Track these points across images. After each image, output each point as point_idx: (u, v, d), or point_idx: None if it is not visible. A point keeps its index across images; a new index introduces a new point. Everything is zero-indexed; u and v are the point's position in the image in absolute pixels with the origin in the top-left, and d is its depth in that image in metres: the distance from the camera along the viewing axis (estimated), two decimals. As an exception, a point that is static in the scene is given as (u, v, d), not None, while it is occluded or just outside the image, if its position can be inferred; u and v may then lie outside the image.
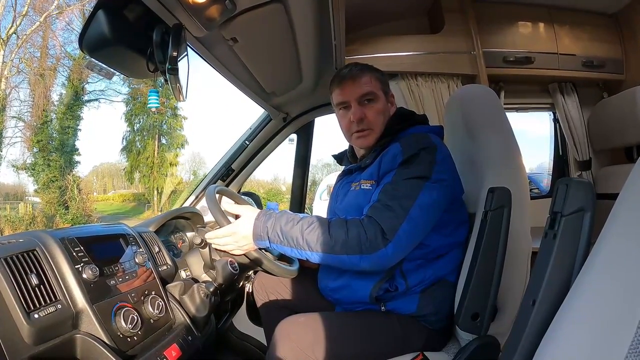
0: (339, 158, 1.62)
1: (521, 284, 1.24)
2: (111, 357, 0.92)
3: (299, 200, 2.49)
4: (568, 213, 0.65)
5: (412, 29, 2.48)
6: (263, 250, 1.45)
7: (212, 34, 1.14)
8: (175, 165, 19.51)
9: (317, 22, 1.34)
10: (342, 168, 1.59)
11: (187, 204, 2.23)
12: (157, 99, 2.00)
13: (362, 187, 1.32)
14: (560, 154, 2.95)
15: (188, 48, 1.10)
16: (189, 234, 1.80)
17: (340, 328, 1.23)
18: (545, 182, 2.99)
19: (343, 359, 1.19)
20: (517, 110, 2.98)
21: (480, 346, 1.14)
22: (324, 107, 2.25)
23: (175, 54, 0.91)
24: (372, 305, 1.28)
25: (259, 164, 2.32)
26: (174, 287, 1.27)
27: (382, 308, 1.27)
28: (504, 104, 2.68)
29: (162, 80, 1.10)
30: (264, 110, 2.14)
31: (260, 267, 1.43)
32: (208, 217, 1.95)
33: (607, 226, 0.58)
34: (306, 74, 1.79)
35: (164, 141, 19.41)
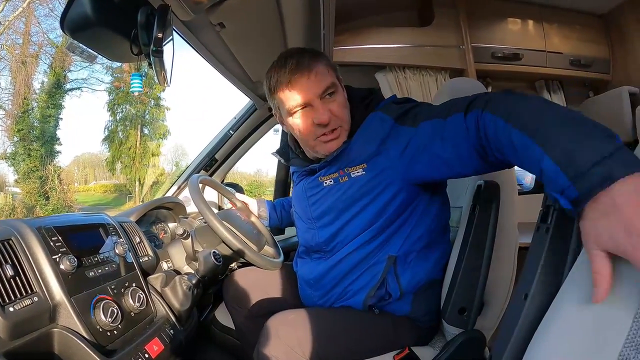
0: (285, 155, 1.39)
1: (508, 279, 1.24)
2: (90, 352, 0.89)
3: (282, 191, 2.47)
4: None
5: (402, 22, 2.47)
6: (248, 242, 1.44)
7: (199, 18, 1.10)
8: (158, 156, 19.27)
9: (307, 11, 1.28)
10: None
11: (169, 194, 2.19)
12: (141, 84, 1.95)
13: (351, 175, 1.16)
14: None
15: (174, 32, 1.06)
16: (171, 225, 1.78)
17: (330, 326, 1.19)
18: (529, 178, 3.02)
19: (331, 356, 1.16)
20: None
21: (467, 340, 1.15)
22: None
23: (160, 35, 0.87)
24: None
25: (243, 154, 2.30)
26: (156, 279, 1.24)
27: (376, 311, 1.23)
28: (492, 99, 2.71)
29: (146, 69, 1.07)
30: (249, 99, 2.10)
31: (243, 258, 1.42)
32: (191, 208, 1.93)
33: None
34: None
35: (146, 131, 19.08)
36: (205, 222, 1.44)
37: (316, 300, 1.31)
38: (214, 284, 1.59)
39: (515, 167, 1.14)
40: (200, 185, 1.50)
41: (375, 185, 1.13)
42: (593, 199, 0.55)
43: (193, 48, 1.39)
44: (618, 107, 2.30)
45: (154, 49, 0.90)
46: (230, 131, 2.18)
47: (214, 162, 2.20)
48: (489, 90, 2.67)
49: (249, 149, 2.28)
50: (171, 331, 1.17)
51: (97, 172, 23.75)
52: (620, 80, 2.64)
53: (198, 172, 2.18)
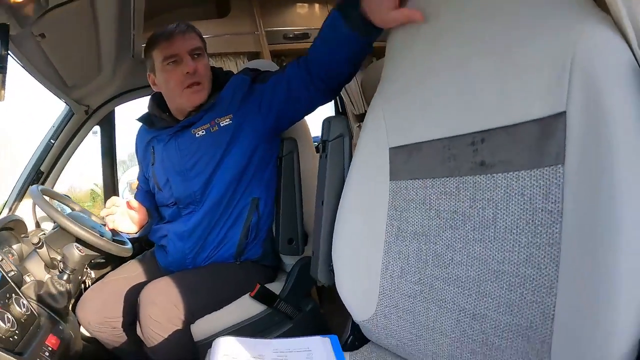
0: (149, 121, 1.51)
1: None
2: (8, 356, 0.95)
3: (112, 193, 2.41)
4: (332, 138, 0.96)
5: (202, 15, 2.62)
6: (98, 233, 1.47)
7: (24, 31, 1.12)
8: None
9: (119, 14, 1.36)
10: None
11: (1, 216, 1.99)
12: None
13: (220, 125, 1.36)
14: (340, 110, 3.42)
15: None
16: (15, 246, 1.66)
17: (196, 283, 1.33)
18: None
19: (201, 308, 1.30)
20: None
21: (302, 267, 1.42)
22: (123, 95, 2.23)
23: (4, 53, 0.90)
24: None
25: (67, 162, 2.18)
26: (28, 289, 1.25)
27: (237, 262, 1.42)
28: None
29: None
30: (65, 106, 2.04)
31: (97, 250, 1.44)
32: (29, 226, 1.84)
33: (356, 150, 0.92)
34: (105, 63, 1.78)
35: None
36: (54, 229, 1.45)
37: (186, 254, 1.42)
38: (84, 273, 1.58)
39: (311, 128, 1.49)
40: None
41: (241, 131, 1.36)
42: None
43: (17, 61, 1.37)
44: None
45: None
46: (52, 140, 2.07)
47: (40, 174, 2.07)
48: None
49: (72, 155, 2.18)
50: (60, 327, 1.22)
51: None
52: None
53: (26, 188, 2.04)
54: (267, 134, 1.40)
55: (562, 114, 0.57)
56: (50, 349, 1.11)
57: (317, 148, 1.66)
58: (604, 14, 0.57)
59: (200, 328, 1.31)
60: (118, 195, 2.40)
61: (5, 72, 0.97)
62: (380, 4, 0.84)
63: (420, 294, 0.76)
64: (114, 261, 1.74)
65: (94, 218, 1.70)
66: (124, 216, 1.43)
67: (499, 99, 0.65)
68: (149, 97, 1.53)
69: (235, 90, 1.38)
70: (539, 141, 0.60)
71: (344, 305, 0.91)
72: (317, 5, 3.03)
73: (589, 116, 0.54)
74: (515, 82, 0.63)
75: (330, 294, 0.99)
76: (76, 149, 2.19)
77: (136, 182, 1.79)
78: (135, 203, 1.44)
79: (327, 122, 0.99)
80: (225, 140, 1.36)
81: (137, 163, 1.70)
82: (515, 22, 0.64)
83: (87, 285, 1.60)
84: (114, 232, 1.54)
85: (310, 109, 1.33)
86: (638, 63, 0.53)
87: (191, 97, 1.37)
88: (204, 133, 1.38)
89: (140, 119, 1.55)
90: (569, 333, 0.55)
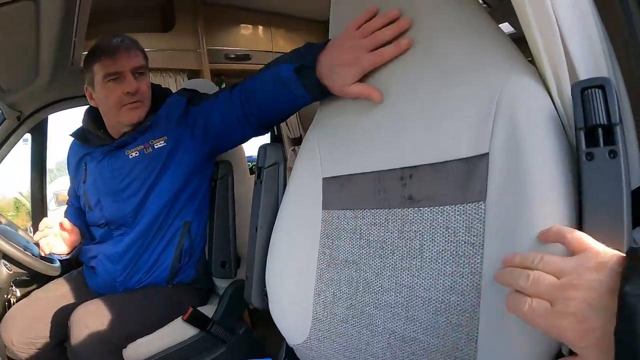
0: (83, 137, 1.46)
1: None
2: None
3: (40, 204, 2.28)
4: (267, 166, 0.98)
5: (146, 28, 2.57)
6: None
7: None
8: None
9: (63, 19, 1.30)
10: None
11: None
12: None
13: (155, 147, 1.33)
14: (276, 134, 3.51)
15: None
16: None
17: (128, 306, 1.30)
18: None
19: (133, 332, 1.28)
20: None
21: (234, 290, 1.44)
22: (58, 103, 2.12)
23: None
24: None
25: None
26: None
27: (169, 286, 1.40)
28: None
29: None
30: None
31: (24, 267, 1.40)
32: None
33: (291, 177, 0.94)
34: (43, 69, 1.69)
35: None
36: None
37: (117, 277, 1.37)
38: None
39: (246, 151, 1.49)
40: None
41: (175, 154, 1.34)
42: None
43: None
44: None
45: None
46: None
47: None
48: (223, 86, 3.01)
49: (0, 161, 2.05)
50: None
51: None
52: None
53: None
54: (202, 158, 1.38)
55: (486, 155, 0.62)
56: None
57: (251, 170, 1.67)
58: (529, 64, 0.63)
59: (133, 352, 1.28)
60: (45, 206, 2.30)
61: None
62: (344, 78, 0.82)
63: (352, 318, 0.78)
64: (40, 279, 1.64)
65: (20, 232, 1.62)
66: (57, 237, 1.36)
67: (428, 138, 0.69)
68: (85, 110, 1.48)
69: (171, 111, 1.36)
70: (463, 179, 0.65)
71: (277, 328, 0.92)
72: (260, 28, 3.08)
73: (510, 156, 0.59)
74: (444, 122, 0.68)
75: (262, 317, 0.98)
76: (5, 156, 2.06)
77: (64, 195, 1.72)
78: (68, 224, 1.38)
79: (263, 149, 1.00)
80: (159, 163, 1.33)
81: (65, 173, 1.61)
82: (448, 65, 0.69)
83: (10, 304, 1.49)
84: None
85: (244, 139, 1.33)
86: (556, 108, 0.59)
87: (128, 114, 1.33)
88: (137, 154, 1.34)
89: (73, 134, 1.49)
90: (491, 352, 0.60)
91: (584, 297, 0.43)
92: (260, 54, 2.99)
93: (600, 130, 0.52)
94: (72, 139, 1.51)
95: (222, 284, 1.50)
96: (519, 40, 0.65)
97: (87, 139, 1.44)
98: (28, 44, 1.41)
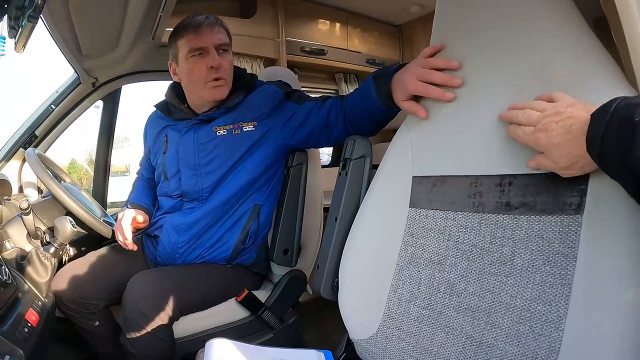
0: (166, 109, 1.50)
1: (317, 228, 1.54)
2: None
3: (103, 168, 2.35)
4: (355, 158, 0.99)
5: (225, 12, 2.60)
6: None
7: None
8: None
9: None
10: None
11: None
12: (4, 45, 1.69)
13: (243, 129, 1.37)
14: None
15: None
16: None
17: (185, 281, 1.32)
18: (326, 157, 3.43)
19: (187, 306, 1.30)
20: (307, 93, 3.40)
21: (291, 278, 1.44)
22: (133, 75, 2.18)
23: (41, 2, 0.83)
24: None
25: (64, 130, 2.14)
26: (10, 254, 1.20)
27: (229, 266, 1.41)
28: (296, 86, 3.06)
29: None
30: (73, 73, 2.00)
31: (86, 228, 1.44)
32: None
33: (378, 172, 0.95)
34: (124, 39, 1.76)
35: None
36: (44, 197, 1.42)
37: (178, 248, 1.39)
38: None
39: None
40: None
41: (262, 141, 1.38)
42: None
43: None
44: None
45: (32, 13, 0.88)
46: (52, 106, 2.02)
47: (34, 138, 2.02)
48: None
49: (70, 124, 2.13)
50: (39, 302, 1.15)
51: None
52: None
53: (16, 150, 1.99)
54: (285, 150, 1.43)
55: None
56: (29, 325, 1.04)
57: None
58: (630, 86, 0.64)
59: (183, 326, 1.31)
60: (108, 173, 2.37)
61: (36, 23, 0.93)
62: (398, 94, 1.00)
63: (428, 319, 0.78)
64: (93, 242, 1.67)
65: (83, 192, 1.68)
66: (129, 228, 1.39)
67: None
68: (168, 85, 1.53)
69: (265, 100, 1.39)
70: (563, 191, 0.65)
71: (320, 326, 0.92)
72: (337, 25, 3.08)
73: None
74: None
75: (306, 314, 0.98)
76: (75, 119, 2.15)
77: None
78: (141, 218, 1.43)
79: (351, 141, 1.02)
80: (245, 146, 1.37)
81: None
82: (551, 79, 0.70)
83: (63, 262, 1.51)
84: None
85: (337, 141, 1.36)
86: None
87: (212, 92, 1.38)
88: (225, 133, 1.38)
89: (157, 106, 1.54)
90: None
91: (555, 120, 0.61)
92: (335, 51, 3.01)
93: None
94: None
95: (278, 271, 1.51)
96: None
97: (170, 111, 1.49)
98: (115, 13, 1.47)
